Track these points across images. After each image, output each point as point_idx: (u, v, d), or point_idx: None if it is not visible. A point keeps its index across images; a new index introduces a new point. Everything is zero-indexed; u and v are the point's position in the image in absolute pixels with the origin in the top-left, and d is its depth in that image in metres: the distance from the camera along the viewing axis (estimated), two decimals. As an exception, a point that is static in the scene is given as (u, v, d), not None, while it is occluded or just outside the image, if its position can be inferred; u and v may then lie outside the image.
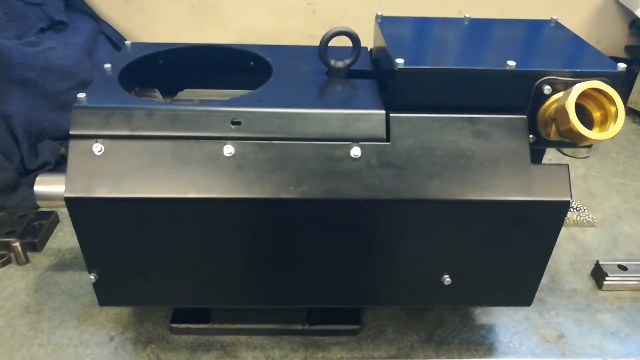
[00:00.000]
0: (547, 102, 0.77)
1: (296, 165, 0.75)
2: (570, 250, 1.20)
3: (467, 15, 0.95)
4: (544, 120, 0.77)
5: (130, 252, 0.80)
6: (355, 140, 0.76)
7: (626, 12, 1.92)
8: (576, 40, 0.86)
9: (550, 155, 1.65)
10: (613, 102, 0.71)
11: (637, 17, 1.81)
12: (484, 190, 0.76)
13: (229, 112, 0.76)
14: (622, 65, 0.75)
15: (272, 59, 0.92)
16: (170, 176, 0.75)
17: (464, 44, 0.85)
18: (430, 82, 0.76)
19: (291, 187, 0.74)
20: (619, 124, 0.71)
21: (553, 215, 0.77)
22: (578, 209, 1.30)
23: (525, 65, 0.75)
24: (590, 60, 0.79)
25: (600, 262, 1.10)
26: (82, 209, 0.76)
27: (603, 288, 1.08)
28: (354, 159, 0.75)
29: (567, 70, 0.75)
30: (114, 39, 1.69)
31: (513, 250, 0.81)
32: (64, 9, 1.60)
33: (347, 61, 0.86)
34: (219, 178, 0.75)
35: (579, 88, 0.70)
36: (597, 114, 0.74)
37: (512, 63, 0.74)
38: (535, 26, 0.93)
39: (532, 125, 0.79)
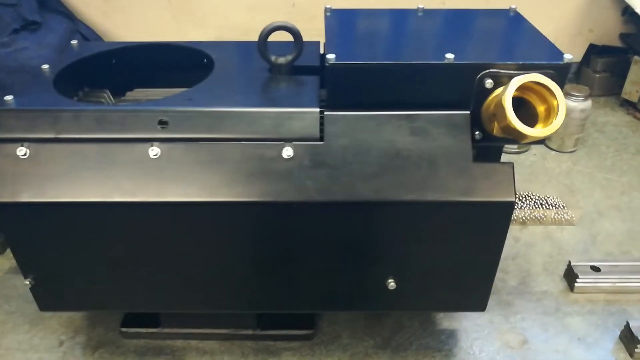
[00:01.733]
0: (490, 97, 0.72)
1: (225, 166, 0.72)
2: (545, 250, 1.15)
3: (421, 6, 0.91)
4: (487, 115, 0.73)
5: (64, 256, 0.78)
6: (288, 140, 0.73)
7: (619, -1, 1.85)
8: (529, 31, 0.81)
9: (535, 150, 1.59)
10: (554, 95, 0.67)
11: (628, 4, 1.73)
12: (421, 191, 0.72)
13: (156, 112, 0.74)
14: (568, 57, 0.70)
15: (216, 56, 0.89)
16: (96, 179, 0.72)
17: (408, 36, 0.81)
18: (364, 78, 0.72)
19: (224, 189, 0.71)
20: (559, 118, 0.66)
21: (497, 216, 0.73)
22: (557, 206, 1.24)
23: (465, 57, 0.71)
24: (536, 52, 0.75)
25: (573, 263, 1.05)
26: (8, 214, 0.74)
27: (575, 290, 1.03)
28: (286, 160, 0.72)
29: (509, 62, 0.70)
30: (91, 38, 1.68)
31: (459, 254, 0.77)
32: (38, 9, 1.59)
33: (290, 57, 0.83)
34: (144, 181, 0.72)
35: (516, 81, 0.66)
36: (541, 108, 0.70)
37: (450, 56, 0.70)
38: (491, 16, 0.88)
39: (479, 121, 0.75)
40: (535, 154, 1.53)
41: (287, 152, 0.72)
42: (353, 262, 0.78)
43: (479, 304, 0.84)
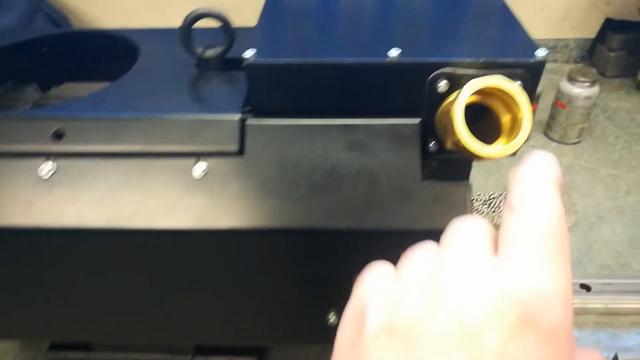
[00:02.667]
0: (444, 103, 0.60)
1: (128, 186, 0.61)
2: (533, 260, 1.03)
3: (380, -14, 0.77)
4: (441, 126, 0.60)
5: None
6: (202, 154, 0.61)
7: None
8: (502, 17, 0.67)
9: (534, 141, 1.44)
10: (517, 104, 0.54)
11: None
12: (358, 218, 0.60)
13: (53, 120, 0.63)
14: (541, 53, 0.57)
15: (144, 47, 0.78)
16: (-18, 200, 0.62)
17: (353, 24, 0.67)
18: (290, 80, 0.60)
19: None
20: (522, 134, 0.53)
21: (450, 247, 0.61)
22: (551, 208, 1.12)
23: (413, 53, 0.58)
24: (504, 46, 0.61)
25: (560, 280, 0.93)
26: None
27: (561, 310, 0.92)
28: (198, 178, 0.61)
29: (468, 59, 0.57)
30: (56, 19, 1.57)
31: (408, 287, 0.65)
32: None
33: (219, 49, 0.71)
34: (36, 203, 0.62)
35: (469, 87, 0.53)
36: (505, 119, 0.56)
37: (394, 52, 0.57)
38: (460, -1, 0.74)
39: (434, 131, 0.62)
40: (533, 146, 1.38)
41: (199, 168, 0.61)
42: (286, 295, 0.68)
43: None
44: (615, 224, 1.10)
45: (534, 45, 0.58)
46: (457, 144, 0.55)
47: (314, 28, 0.66)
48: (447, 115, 0.55)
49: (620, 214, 1.12)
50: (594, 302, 0.90)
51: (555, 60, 1.94)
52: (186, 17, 0.68)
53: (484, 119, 0.59)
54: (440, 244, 0.31)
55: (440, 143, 0.63)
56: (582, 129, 1.36)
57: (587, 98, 1.30)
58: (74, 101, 0.66)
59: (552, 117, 1.35)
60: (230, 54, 0.71)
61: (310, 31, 0.66)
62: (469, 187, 0.61)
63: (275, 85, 0.60)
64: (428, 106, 0.60)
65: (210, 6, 0.67)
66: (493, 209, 1.17)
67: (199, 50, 0.70)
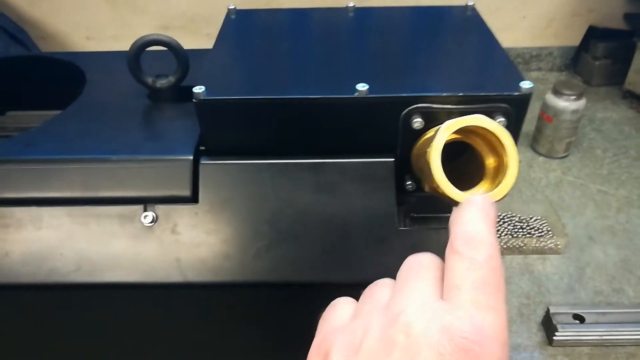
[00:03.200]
0: (421, 140, 0.53)
1: (68, 237, 0.54)
2: (522, 288, 0.97)
3: (352, 4, 0.70)
4: (417, 167, 0.54)
5: None
6: (151, 199, 0.54)
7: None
8: (483, 43, 0.61)
9: (521, 155, 1.38)
10: (503, 145, 0.47)
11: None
12: (328, 270, 0.53)
13: (-22, 164, 0.56)
14: (526, 86, 0.51)
15: (91, 74, 0.70)
16: None
17: (316, 58, 0.61)
18: (248, 118, 0.53)
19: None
20: (508, 180, 0.47)
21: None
22: (541, 230, 1.06)
23: (383, 88, 0.52)
24: (485, 78, 0.55)
25: (552, 311, 0.87)
26: None
27: (554, 344, 0.86)
28: (147, 228, 0.54)
29: (444, 94, 0.51)
30: (11, 30, 1.48)
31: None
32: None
33: (172, 79, 0.64)
34: (-40, 259, 0.54)
35: (447, 128, 0.46)
36: (489, 161, 0.50)
37: (363, 87, 0.51)
38: (439, 19, 0.68)
39: (410, 169, 0.56)
40: (521, 160, 1.33)
41: (147, 218, 0.54)
42: (249, 352, 0.61)
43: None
44: (607, 245, 1.04)
45: (518, 76, 0.52)
46: (436, 190, 0.48)
47: (274, 60, 0.60)
48: (424, 157, 0.49)
49: (612, 235, 1.07)
50: (588, 334, 0.85)
51: (539, 69, 1.89)
52: (133, 45, 0.61)
53: (466, 155, 0.53)
54: (396, 281, 0.33)
55: (418, 181, 0.57)
56: (570, 143, 1.32)
57: (574, 112, 1.25)
58: (2, 142, 0.59)
59: (538, 130, 1.30)
60: (186, 82, 0.65)
61: (269, 63, 0.59)
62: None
63: (230, 123, 0.53)
64: (403, 143, 0.54)
65: (159, 33, 0.60)
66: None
67: (150, 80, 0.63)
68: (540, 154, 1.35)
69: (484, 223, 0.31)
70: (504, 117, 0.52)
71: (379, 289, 0.33)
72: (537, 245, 1.02)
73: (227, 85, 0.54)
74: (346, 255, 0.53)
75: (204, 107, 0.52)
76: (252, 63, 0.59)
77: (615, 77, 1.66)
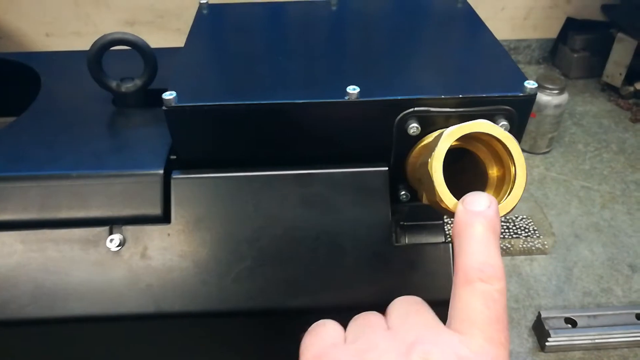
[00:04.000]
0: (417, 147, 0.49)
1: (22, 264, 0.48)
2: (512, 291, 0.94)
3: (339, -3, 0.65)
4: (413, 177, 0.50)
5: None
6: (117, 220, 0.48)
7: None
8: (480, 38, 0.57)
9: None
10: (510, 153, 0.43)
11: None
12: (318, 294, 0.48)
13: None
14: (530, 86, 0.47)
15: (47, 77, 0.63)
16: None
17: (301, 59, 0.55)
18: (225, 126, 0.47)
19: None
20: (516, 192, 0.43)
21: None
22: (527, 230, 1.03)
23: (376, 91, 0.47)
24: (486, 78, 0.50)
25: (544, 316, 0.84)
26: None
27: (546, 350, 0.83)
28: (113, 253, 0.48)
29: (442, 96, 0.46)
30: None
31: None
32: None
33: (139, 82, 0.58)
34: None
35: (448, 136, 0.42)
36: (492, 171, 0.46)
37: (353, 90, 0.46)
38: (428, 13, 0.63)
39: (404, 178, 0.51)
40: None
41: (113, 241, 0.48)
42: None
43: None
44: (593, 243, 1.03)
45: (521, 76, 0.48)
46: (438, 205, 0.44)
47: (253, 60, 0.54)
48: (423, 167, 0.44)
49: (597, 232, 1.05)
50: (581, 338, 0.83)
51: (517, 62, 1.87)
52: (93, 44, 0.54)
53: (463, 161, 0.49)
54: (391, 313, 0.33)
55: (413, 191, 0.53)
56: (552, 138, 1.30)
57: (557, 106, 1.23)
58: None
59: (519, 124, 1.27)
60: (154, 85, 0.58)
61: (248, 64, 0.53)
62: (450, 247, 0.50)
63: (205, 132, 0.47)
64: (397, 151, 0.49)
65: (124, 31, 0.54)
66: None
67: (114, 83, 0.57)
68: (523, 150, 1.33)
69: (495, 245, 0.30)
70: (507, 121, 0.47)
71: (373, 317, 0.33)
72: (524, 246, 0.99)
73: (201, 89, 0.48)
74: (337, 276, 0.48)
75: (176, 115, 0.46)
76: (228, 64, 0.53)
77: (594, 69, 1.66)
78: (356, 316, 0.34)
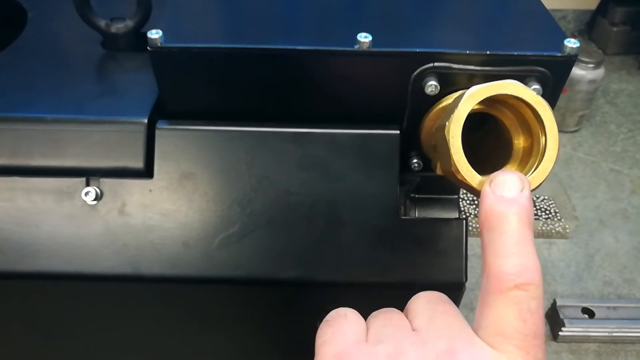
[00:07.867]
0: (434, 109, 0.43)
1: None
2: (526, 274, 0.89)
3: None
4: (428, 143, 0.44)
5: None
6: (95, 171, 0.44)
7: None
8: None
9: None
10: (541, 121, 0.37)
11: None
12: (312, 266, 0.44)
13: None
14: (571, 45, 0.40)
15: (34, 13, 0.58)
16: None
17: (305, 1, 0.49)
18: (217, 73, 0.42)
19: None
20: (546, 166, 0.37)
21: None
22: (548, 212, 0.97)
23: (390, 41, 0.41)
24: (519, 33, 0.44)
25: (559, 304, 0.79)
26: None
27: (559, 339, 0.78)
28: (89, 207, 0.44)
29: (466, 52, 0.40)
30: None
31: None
32: None
33: (131, 23, 0.52)
34: None
35: (471, 96, 0.36)
36: (519, 139, 0.40)
37: (365, 38, 0.40)
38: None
39: (418, 143, 0.46)
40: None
41: (89, 195, 0.43)
42: (227, 352, 0.52)
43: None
44: (619, 230, 0.96)
45: (561, 34, 0.41)
46: (453, 175, 0.38)
47: (255, 1, 0.48)
48: (440, 132, 0.38)
49: (624, 219, 0.98)
50: (597, 330, 0.77)
51: (550, 34, 1.76)
52: (81, -26, 0.48)
53: (486, 128, 0.43)
54: (414, 309, 0.31)
55: (426, 159, 0.47)
56: (582, 116, 1.21)
57: (591, 82, 1.14)
58: None
59: (548, 100, 1.19)
60: (148, 27, 0.53)
61: (247, 5, 0.47)
62: (464, 224, 0.45)
63: (194, 78, 0.42)
64: (412, 112, 0.43)
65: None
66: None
67: (103, 23, 0.51)
68: (550, 127, 1.26)
69: (531, 242, 0.27)
70: (540, 85, 0.41)
71: (395, 315, 0.31)
72: (543, 228, 0.93)
73: (193, 29, 0.43)
74: (335, 249, 0.43)
75: (162, 58, 0.41)
76: (226, 3, 0.47)
77: (633, 45, 1.54)
78: (375, 312, 0.32)
